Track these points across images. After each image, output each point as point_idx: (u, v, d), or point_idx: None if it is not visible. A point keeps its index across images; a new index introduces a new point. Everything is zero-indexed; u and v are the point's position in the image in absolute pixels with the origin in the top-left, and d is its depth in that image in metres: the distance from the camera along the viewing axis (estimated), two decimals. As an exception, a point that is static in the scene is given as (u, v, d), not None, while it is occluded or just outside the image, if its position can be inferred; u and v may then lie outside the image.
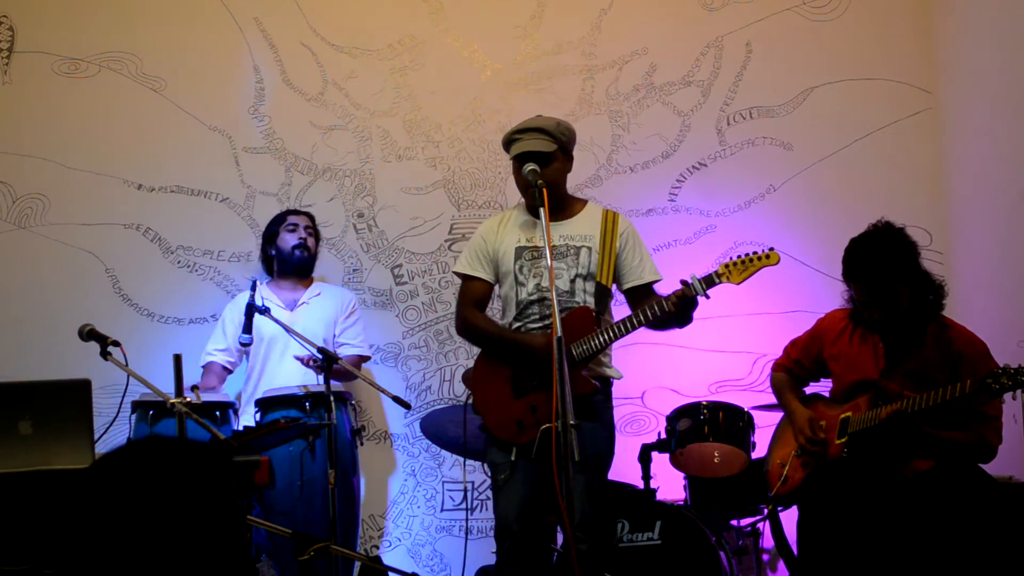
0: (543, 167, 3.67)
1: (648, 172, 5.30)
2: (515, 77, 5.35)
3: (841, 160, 5.25)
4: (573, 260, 3.71)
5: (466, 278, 3.87)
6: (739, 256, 3.59)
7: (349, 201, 5.29)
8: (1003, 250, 4.68)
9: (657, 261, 5.04)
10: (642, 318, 3.58)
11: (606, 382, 3.75)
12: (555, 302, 3.40)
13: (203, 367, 4.73)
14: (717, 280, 3.56)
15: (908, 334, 3.59)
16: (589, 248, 3.73)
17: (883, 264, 3.50)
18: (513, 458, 3.64)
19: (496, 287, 3.88)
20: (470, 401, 3.86)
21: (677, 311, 3.52)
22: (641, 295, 3.77)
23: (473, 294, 3.84)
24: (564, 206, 3.80)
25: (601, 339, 3.59)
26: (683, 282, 3.54)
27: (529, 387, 3.66)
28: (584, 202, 3.90)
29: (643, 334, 4.80)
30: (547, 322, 3.68)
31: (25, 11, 5.31)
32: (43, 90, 5.27)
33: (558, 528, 4.07)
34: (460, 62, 5.36)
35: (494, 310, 4.12)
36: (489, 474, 3.80)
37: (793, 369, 3.91)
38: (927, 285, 3.59)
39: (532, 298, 3.72)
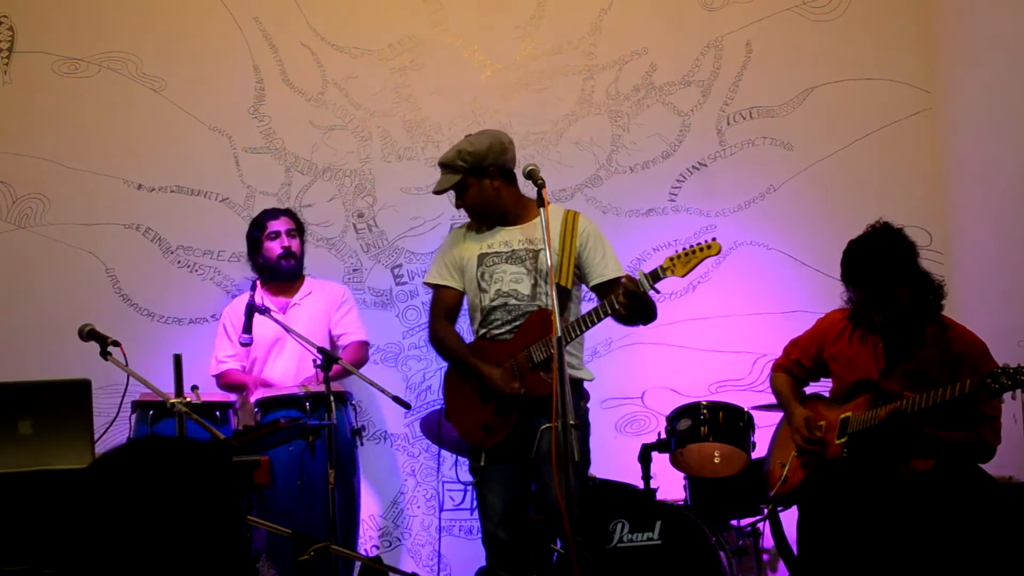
0: (461, 198, 3.80)
1: (648, 172, 5.30)
2: (515, 77, 5.35)
3: (841, 160, 5.25)
4: (532, 263, 3.71)
5: (436, 288, 3.88)
6: (683, 249, 3.59)
7: (349, 201, 5.29)
8: (1003, 250, 4.68)
9: (657, 261, 5.04)
10: (595, 316, 3.58)
11: (576, 384, 3.69)
12: (555, 301, 3.39)
13: (220, 375, 4.70)
14: (662, 274, 3.55)
15: (908, 334, 3.59)
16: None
17: (882, 267, 3.49)
18: (483, 463, 3.67)
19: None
20: (443, 408, 3.88)
21: (627, 309, 3.49)
22: (606, 292, 3.77)
23: (444, 304, 3.85)
24: (519, 211, 3.82)
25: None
26: (627, 277, 3.52)
27: (493, 395, 3.68)
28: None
29: (643, 334, 4.81)
30: (510, 327, 3.71)
31: (25, 11, 5.31)
32: (43, 90, 5.27)
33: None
34: (460, 62, 5.36)
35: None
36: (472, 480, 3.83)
37: (793, 369, 3.90)
38: (927, 286, 3.59)
39: (494, 304, 3.73)
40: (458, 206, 3.84)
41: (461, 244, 3.85)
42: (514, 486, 3.67)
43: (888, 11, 5.33)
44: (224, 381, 4.70)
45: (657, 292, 3.54)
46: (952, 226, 5.11)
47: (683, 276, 3.57)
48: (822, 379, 3.91)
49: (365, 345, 4.76)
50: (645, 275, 3.52)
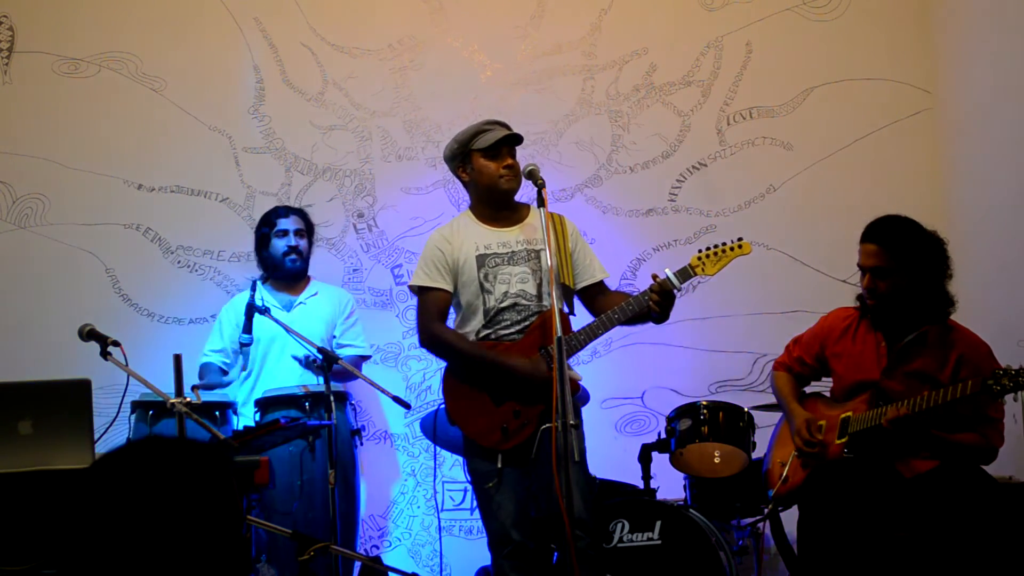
0: (514, 159, 3.75)
1: (648, 172, 5.30)
2: (515, 77, 5.35)
3: (841, 160, 5.25)
4: (536, 263, 3.70)
5: (426, 290, 3.79)
6: (711, 248, 3.60)
7: (349, 201, 5.29)
8: (1002, 250, 4.68)
9: (657, 261, 5.05)
10: (620, 314, 3.58)
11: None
12: (555, 302, 3.39)
13: (201, 366, 4.72)
14: (692, 272, 3.57)
15: (910, 334, 3.59)
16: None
17: (909, 233, 3.50)
18: (500, 465, 3.63)
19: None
20: (441, 408, 3.85)
21: (659, 305, 3.52)
22: (595, 292, 3.81)
23: (436, 306, 3.78)
24: (515, 210, 3.83)
25: (580, 339, 3.61)
26: (655, 276, 3.54)
27: (507, 397, 3.65)
28: (528, 207, 3.88)
29: (644, 334, 4.80)
30: (521, 327, 3.69)
31: (25, 11, 5.31)
32: (43, 90, 5.27)
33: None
34: (460, 62, 5.36)
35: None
36: (470, 481, 3.77)
37: (794, 367, 3.90)
38: (938, 288, 3.57)
39: (503, 305, 3.70)
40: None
41: (451, 245, 3.79)
42: (523, 488, 3.64)
43: (888, 11, 5.33)
44: (202, 373, 4.69)
45: (680, 291, 3.56)
46: (952, 226, 5.09)
47: (712, 275, 3.58)
48: (823, 378, 3.90)
49: (364, 359, 4.80)
50: (674, 273, 3.53)
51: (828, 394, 3.86)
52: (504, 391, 3.66)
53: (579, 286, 3.81)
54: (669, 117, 5.31)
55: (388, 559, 4.94)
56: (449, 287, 3.78)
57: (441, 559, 4.65)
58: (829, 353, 3.78)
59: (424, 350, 3.96)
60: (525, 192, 3.83)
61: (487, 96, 5.32)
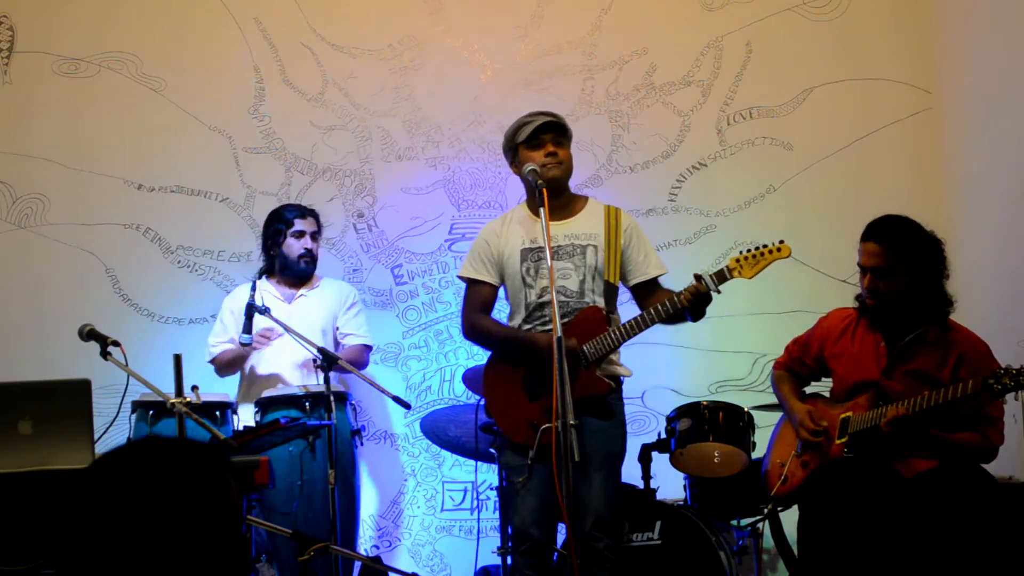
0: (559, 147, 3.70)
1: (648, 172, 5.30)
2: (515, 77, 5.35)
3: (841, 160, 5.25)
4: (580, 259, 3.68)
5: (472, 282, 3.81)
6: (749, 250, 3.58)
7: (349, 201, 5.29)
8: (1003, 250, 4.68)
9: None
10: (655, 315, 3.56)
11: (617, 381, 3.73)
12: (555, 303, 3.38)
13: (213, 360, 4.69)
14: (728, 276, 3.55)
15: (910, 333, 3.59)
16: (595, 247, 3.70)
17: (910, 232, 3.50)
18: (530, 461, 3.60)
19: (501, 289, 3.84)
20: (481, 403, 3.84)
21: (692, 307, 3.51)
22: (647, 290, 3.77)
23: (480, 298, 3.79)
24: (567, 203, 3.77)
25: (613, 338, 3.58)
26: (696, 276, 3.53)
27: (542, 390, 3.62)
28: (585, 199, 3.86)
29: (643, 333, 4.78)
30: (560, 323, 3.64)
31: (25, 11, 5.31)
32: (43, 90, 5.27)
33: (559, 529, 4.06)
34: (460, 62, 5.36)
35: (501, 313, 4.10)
36: (504, 476, 3.78)
37: (794, 368, 3.90)
38: (938, 289, 3.57)
39: (542, 300, 3.67)
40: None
41: (499, 238, 3.78)
42: (549, 487, 3.63)
43: (888, 11, 5.34)
44: (219, 361, 4.67)
45: (719, 292, 3.54)
46: (952, 226, 5.10)
47: (750, 278, 3.56)
48: (823, 379, 3.90)
49: (367, 349, 4.76)
50: (710, 275, 3.52)
51: (828, 395, 3.86)
52: (536, 380, 3.62)
53: (631, 283, 3.78)
54: (669, 117, 5.31)
55: (388, 559, 4.94)
56: (493, 280, 3.79)
57: (476, 557, 4.60)
58: (828, 354, 3.77)
59: (469, 342, 3.97)
60: (576, 186, 3.78)
61: (487, 96, 5.32)
